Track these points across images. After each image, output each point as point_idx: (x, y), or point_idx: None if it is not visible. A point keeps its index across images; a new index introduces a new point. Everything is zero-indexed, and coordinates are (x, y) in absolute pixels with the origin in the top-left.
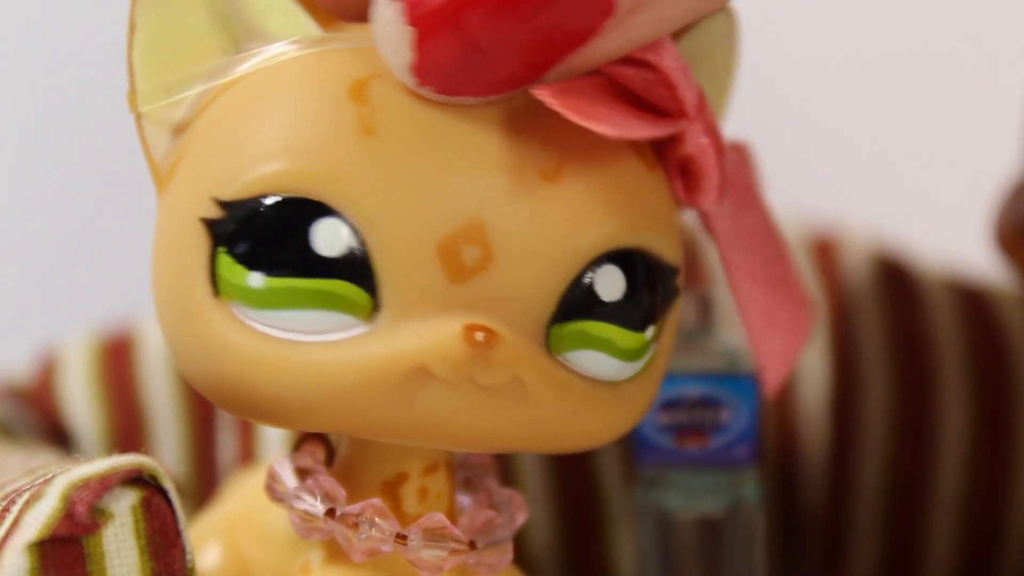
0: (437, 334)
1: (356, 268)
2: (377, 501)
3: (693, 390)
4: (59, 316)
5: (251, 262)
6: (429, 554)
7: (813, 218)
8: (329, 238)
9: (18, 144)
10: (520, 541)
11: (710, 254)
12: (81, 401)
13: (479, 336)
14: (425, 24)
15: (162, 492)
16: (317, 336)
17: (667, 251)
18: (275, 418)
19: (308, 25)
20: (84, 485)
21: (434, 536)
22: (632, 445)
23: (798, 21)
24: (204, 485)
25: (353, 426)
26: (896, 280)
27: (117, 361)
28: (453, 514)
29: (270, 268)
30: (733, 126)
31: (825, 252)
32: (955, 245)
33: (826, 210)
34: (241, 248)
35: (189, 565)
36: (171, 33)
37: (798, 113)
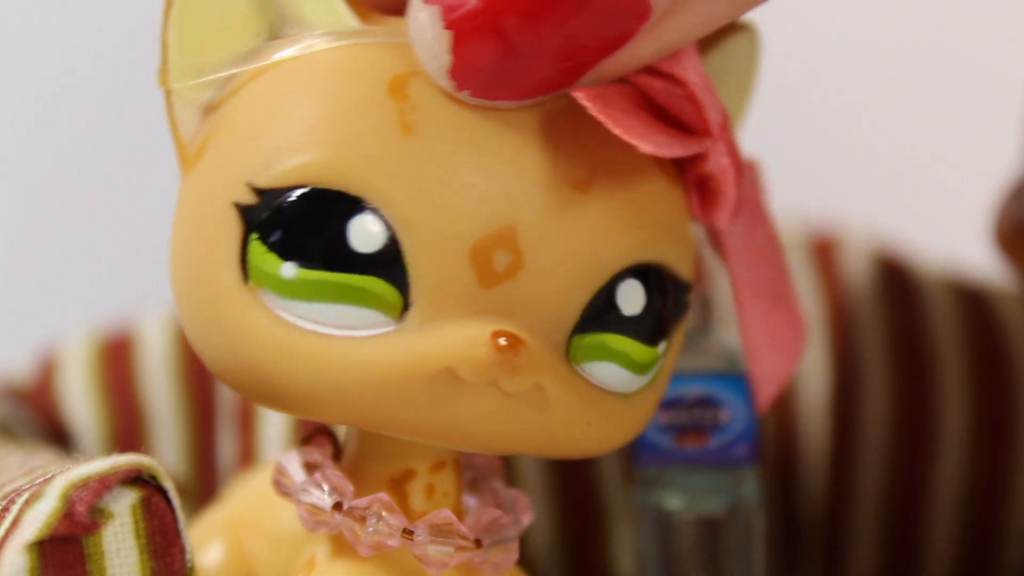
0: (466, 338)
1: (389, 266)
2: (384, 495)
3: (693, 390)
4: (59, 316)
5: (284, 252)
6: (435, 550)
7: (813, 218)
8: (365, 234)
9: (18, 143)
10: (520, 541)
11: (710, 255)
12: (81, 401)
13: (505, 342)
14: (462, 28)
15: (162, 492)
16: (346, 331)
17: (683, 267)
18: (295, 408)
19: (346, 15)
20: (84, 485)
21: (441, 532)
22: (632, 445)
23: (798, 21)
24: (204, 485)
25: (374, 422)
26: (896, 280)
27: (117, 361)
28: (459, 513)
29: (303, 259)
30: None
31: (825, 252)
32: (955, 245)
33: (826, 210)
34: (275, 237)
35: (189, 565)
36: (208, 12)
37: (798, 113)
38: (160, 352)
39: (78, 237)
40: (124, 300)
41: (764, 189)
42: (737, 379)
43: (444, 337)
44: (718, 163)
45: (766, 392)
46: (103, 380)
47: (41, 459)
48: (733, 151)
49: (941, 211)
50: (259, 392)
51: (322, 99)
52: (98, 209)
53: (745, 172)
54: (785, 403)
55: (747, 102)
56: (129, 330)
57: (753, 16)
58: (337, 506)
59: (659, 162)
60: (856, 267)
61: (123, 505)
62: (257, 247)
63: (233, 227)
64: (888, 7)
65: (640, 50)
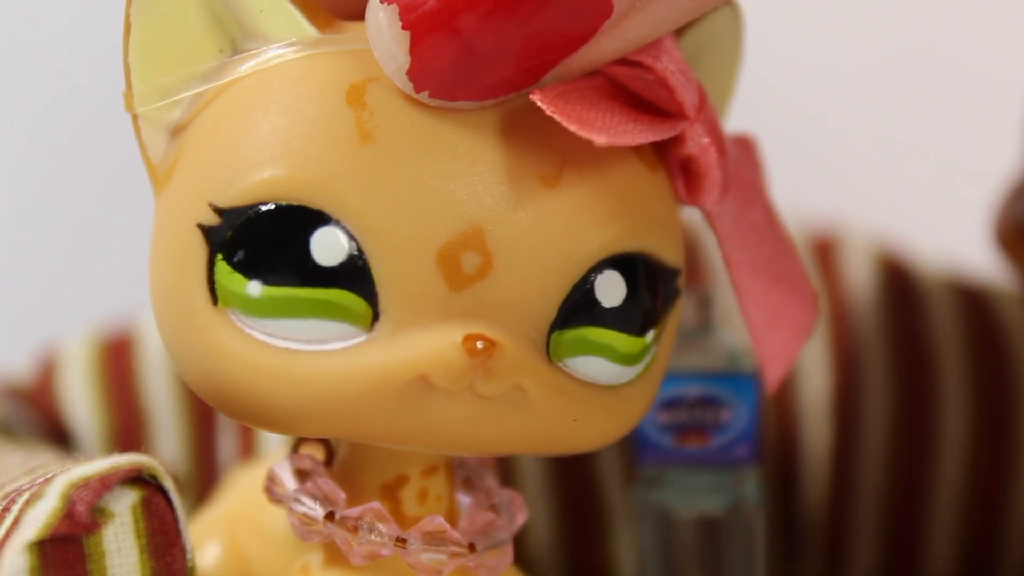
0: (437, 344)
1: (355, 277)
2: (376, 505)
3: (693, 389)
4: (59, 316)
5: (249, 270)
6: (429, 558)
7: (813, 218)
8: (328, 247)
9: (18, 144)
10: (520, 541)
11: (710, 252)
12: (81, 401)
13: (479, 346)
14: (420, 28)
15: (162, 492)
16: (316, 345)
17: (668, 253)
18: (274, 425)
19: (304, 26)
20: (84, 484)
21: (434, 540)
22: (632, 445)
23: (799, 19)
24: (204, 485)
25: (353, 433)
26: (896, 280)
27: (117, 361)
28: (453, 515)
29: (268, 277)
30: (734, 124)
31: (826, 252)
32: (955, 245)
33: (826, 210)
34: (239, 256)
35: (189, 564)
36: (167, 32)
37: (799, 112)
38: (160, 352)
39: (78, 237)
40: (124, 300)
41: (760, 165)
42: (738, 379)
43: (416, 345)
44: (698, 144)
45: (774, 373)
46: (103, 380)
47: (41, 459)
48: (714, 131)
49: (941, 211)
50: (238, 411)
51: (279, 112)
52: (98, 209)
53: (732, 150)
54: (785, 403)
55: (734, 79)
56: (129, 330)
57: (755, 14)
58: (329, 516)
59: (636, 149)
60: (857, 267)
61: (123, 505)
62: (223, 268)
63: (199, 249)
64: (889, 7)
65: (603, 48)
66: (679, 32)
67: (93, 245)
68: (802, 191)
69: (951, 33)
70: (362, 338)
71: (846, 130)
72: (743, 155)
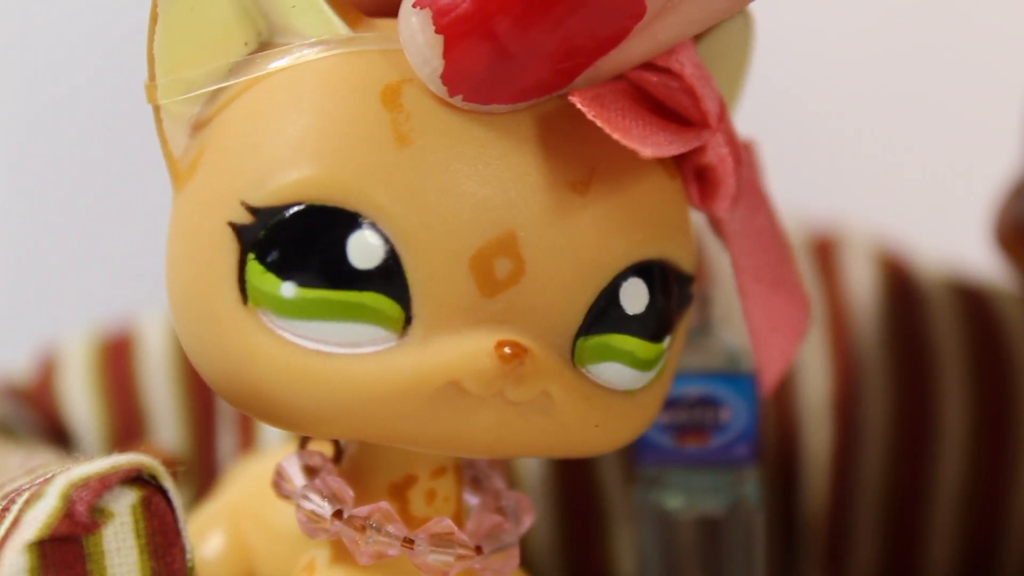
0: (469, 350)
1: (390, 281)
2: (385, 505)
3: (693, 389)
4: (59, 316)
5: (283, 271)
6: (435, 559)
7: (813, 218)
8: (364, 250)
9: (18, 143)
10: (520, 541)
11: (710, 253)
12: (81, 401)
13: (511, 352)
14: (454, 32)
15: (162, 491)
16: (348, 348)
17: (685, 260)
18: (300, 426)
19: (335, 24)
20: (84, 484)
21: (441, 541)
22: (632, 445)
23: (799, 19)
24: (204, 484)
25: (379, 436)
26: (896, 280)
27: (117, 361)
28: (460, 516)
29: (302, 278)
30: (734, 123)
31: (825, 252)
32: (955, 245)
33: (826, 210)
34: (272, 256)
35: (189, 564)
36: (193, 24)
37: (798, 112)
38: (160, 352)
39: (78, 237)
40: (124, 300)
41: (761, 171)
42: (737, 379)
43: (448, 350)
44: (717, 154)
45: (771, 375)
46: (103, 380)
47: (41, 459)
48: (732, 140)
49: (941, 211)
50: (262, 412)
51: (314, 112)
52: (98, 209)
53: (743, 158)
54: (785, 403)
55: (741, 85)
56: (129, 330)
57: (756, 17)
58: (337, 514)
59: (659, 158)
60: (857, 267)
61: (123, 505)
62: (255, 267)
63: (229, 247)
64: (889, 7)
65: (634, 49)
66: (695, 38)
67: (93, 245)
68: (802, 191)
69: (951, 33)
70: (394, 342)
71: (846, 130)
72: (747, 160)
